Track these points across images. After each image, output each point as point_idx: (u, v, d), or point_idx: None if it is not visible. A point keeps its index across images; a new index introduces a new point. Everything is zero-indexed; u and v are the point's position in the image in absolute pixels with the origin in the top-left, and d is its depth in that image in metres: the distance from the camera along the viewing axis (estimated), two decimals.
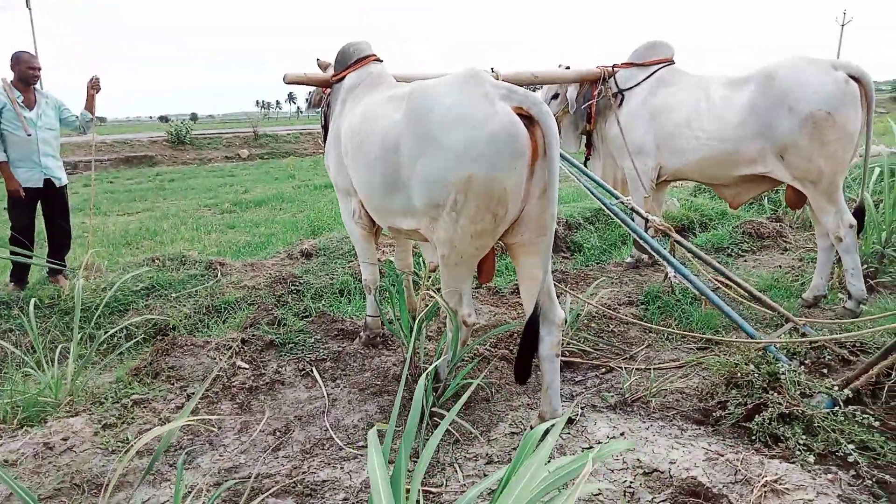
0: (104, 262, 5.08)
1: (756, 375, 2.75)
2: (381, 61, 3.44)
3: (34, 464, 2.56)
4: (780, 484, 2.18)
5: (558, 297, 4.18)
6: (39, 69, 4.57)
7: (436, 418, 2.86)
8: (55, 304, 4.31)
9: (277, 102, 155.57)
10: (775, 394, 2.63)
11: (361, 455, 2.68)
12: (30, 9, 32.84)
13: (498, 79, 4.03)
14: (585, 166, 5.13)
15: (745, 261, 5.08)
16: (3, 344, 3.40)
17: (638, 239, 3.47)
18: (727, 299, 3.76)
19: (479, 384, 3.22)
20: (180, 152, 22.17)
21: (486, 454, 2.65)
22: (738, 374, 2.81)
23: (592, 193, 3.58)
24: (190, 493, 2.42)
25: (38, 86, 4.69)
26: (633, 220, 3.79)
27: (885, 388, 2.67)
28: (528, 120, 2.40)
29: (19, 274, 4.56)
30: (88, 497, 2.39)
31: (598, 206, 5.72)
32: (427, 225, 2.69)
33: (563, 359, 3.41)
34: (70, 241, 4.93)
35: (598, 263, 5.15)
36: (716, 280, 3.79)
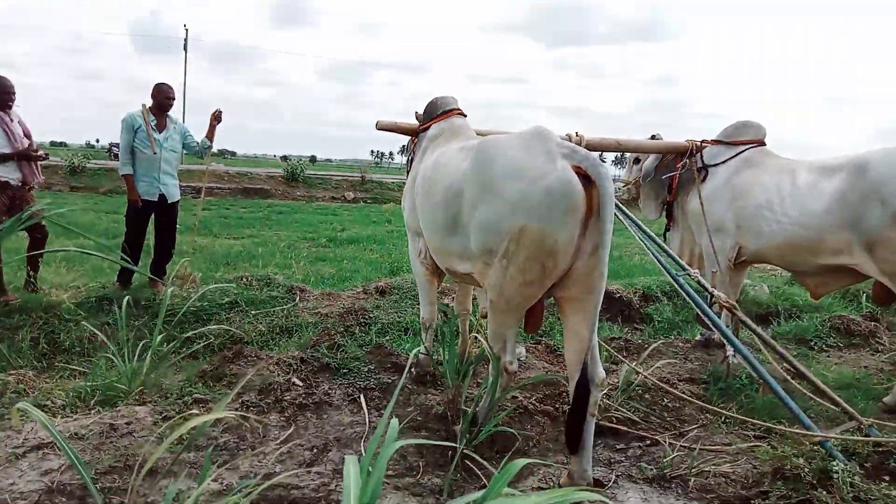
0: (199, 275, 5.53)
1: (806, 470, 2.60)
2: (465, 115, 3.66)
3: (98, 441, 2.84)
4: None
5: (615, 363, 4.17)
6: (173, 99, 5.20)
7: (467, 461, 2.90)
8: (150, 306, 4.76)
9: (391, 153, 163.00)
10: (824, 492, 2.47)
11: (387, 482, 2.76)
12: (186, 51, 36.87)
13: (581, 142, 4.22)
14: (665, 238, 5.10)
15: (829, 357, 4.75)
16: (97, 333, 3.81)
17: (700, 314, 3.39)
18: (793, 392, 3.55)
19: (515, 435, 3.24)
20: (293, 188, 23.69)
21: None
22: (787, 467, 2.66)
23: (659, 262, 3.56)
24: (226, 490, 2.59)
25: (170, 112, 5.31)
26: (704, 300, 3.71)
27: None
28: (587, 179, 2.49)
29: (125, 276, 5.08)
30: (137, 478, 2.61)
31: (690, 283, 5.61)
32: (480, 269, 2.80)
33: (609, 425, 3.37)
34: (173, 252, 5.44)
35: (666, 337, 5.00)
36: (782, 370, 3.59)
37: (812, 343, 4.94)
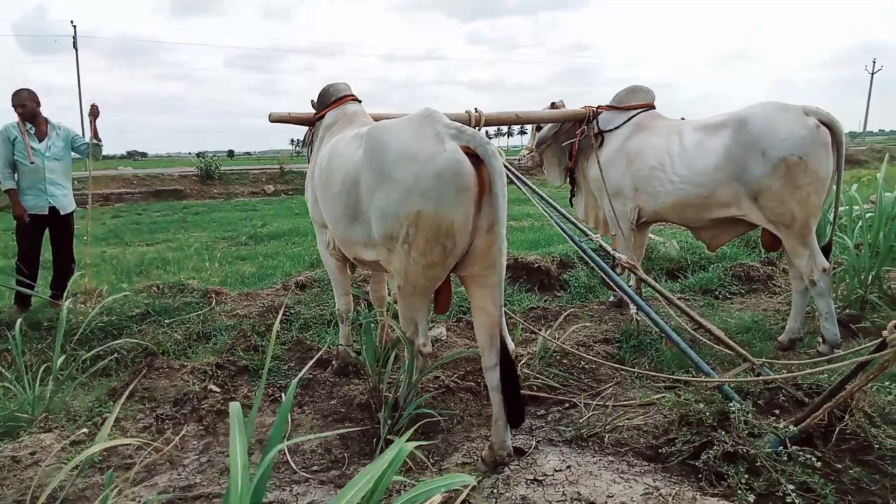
0: (105, 288, 5.28)
1: (706, 414, 2.76)
2: (359, 101, 3.62)
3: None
4: None
5: (533, 333, 4.27)
6: (28, 105, 4.75)
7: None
8: (53, 326, 4.50)
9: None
10: (723, 432, 2.64)
11: (312, 478, 2.75)
12: (76, 48, 34.57)
13: (481, 119, 4.26)
14: (571, 203, 5.26)
15: (732, 303, 5.06)
16: None
17: (604, 276, 3.52)
18: (696, 341, 3.77)
19: (439, 415, 3.29)
20: (208, 187, 22.82)
21: None
22: (691, 413, 2.82)
23: (561, 228, 3.66)
24: None
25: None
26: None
27: (836, 430, 2.67)
28: (476, 158, 2.51)
29: (23, 298, 4.78)
30: None
31: (593, 247, 5.80)
32: (385, 256, 2.81)
33: (530, 393, 3.47)
34: (73, 267, 5.15)
35: (582, 302, 5.18)
36: (685, 322, 3.79)
37: (717, 292, 5.24)
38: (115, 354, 4.03)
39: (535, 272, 5.90)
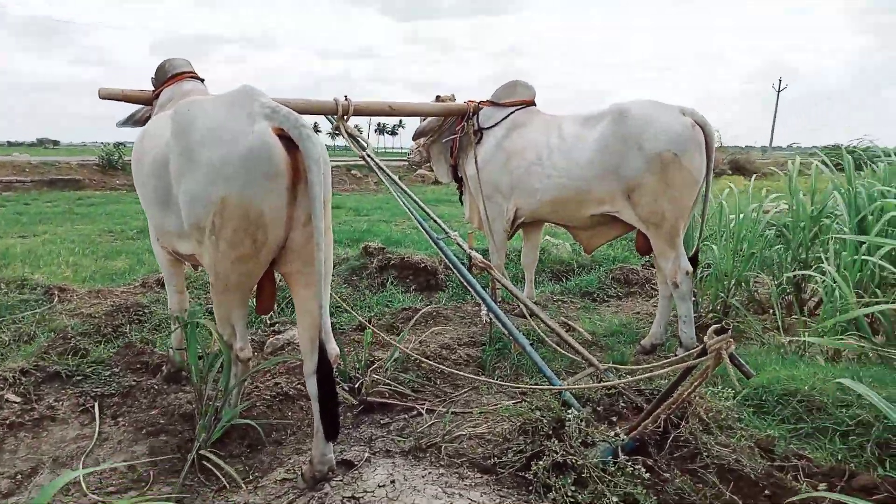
0: None
1: (543, 422, 2.62)
2: (200, 79, 3.30)
3: None
4: None
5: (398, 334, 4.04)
6: None
7: (206, 462, 2.62)
8: None
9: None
10: (556, 441, 2.49)
11: (102, 501, 2.41)
12: None
13: (349, 108, 3.99)
14: (461, 202, 5.06)
15: (609, 306, 5.03)
16: None
17: (459, 275, 3.35)
18: (561, 345, 3.65)
19: (270, 425, 3.02)
20: (110, 177, 21.43)
21: (245, 503, 2.42)
22: (528, 421, 2.67)
23: (421, 225, 3.47)
24: None
25: None
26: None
27: (671, 437, 2.58)
28: (292, 142, 2.26)
29: None
30: None
31: (485, 246, 5.65)
32: (197, 250, 2.51)
33: (378, 400, 3.24)
34: None
35: (459, 302, 5.01)
36: (548, 326, 3.67)
37: (595, 295, 5.20)
38: None
39: (422, 272, 5.71)
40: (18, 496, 2.42)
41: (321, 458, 2.47)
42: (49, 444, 2.78)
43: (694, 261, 3.74)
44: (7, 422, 2.84)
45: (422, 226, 3.47)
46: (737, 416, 2.79)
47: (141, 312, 4.51)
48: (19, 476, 2.54)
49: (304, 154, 2.22)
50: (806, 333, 3.54)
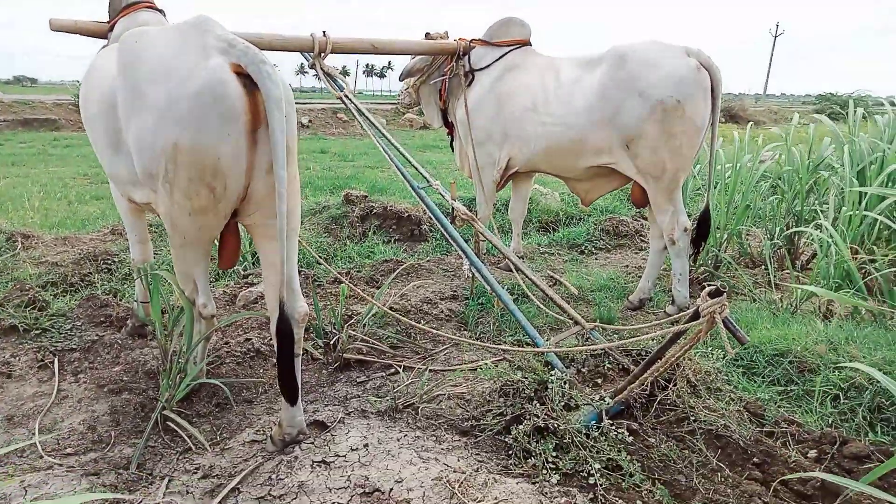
0: None
1: (524, 383, 2.50)
2: (159, 10, 3.01)
3: None
4: None
5: (349, 296, 3.85)
6: None
7: (170, 422, 2.49)
8: None
9: None
10: (538, 404, 2.38)
11: (59, 465, 2.28)
12: None
13: (327, 45, 3.69)
14: (452, 147, 4.79)
15: (597, 258, 4.89)
16: None
17: (440, 227, 3.16)
18: (547, 301, 3.52)
19: (240, 383, 2.88)
20: None
21: (210, 465, 2.30)
22: (509, 382, 2.55)
23: (402, 174, 3.27)
24: None
25: None
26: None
27: (657, 400, 2.47)
28: (252, 80, 2.03)
29: None
30: None
31: (473, 196, 5.44)
32: (153, 199, 2.31)
33: (354, 357, 3.11)
34: None
35: (442, 254, 4.85)
36: (533, 281, 3.52)
37: (583, 247, 5.05)
38: None
39: (405, 221, 5.53)
40: None
41: (290, 421, 2.34)
42: (4, 403, 2.63)
43: (705, 218, 3.54)
44: None
45: (402, 174, 3.27)
46: (726, 377, 2.70)
47: (110, 261, 4.33)
48: None
49: (265, 94, 1.99)
50: (798, 289, 3.42)
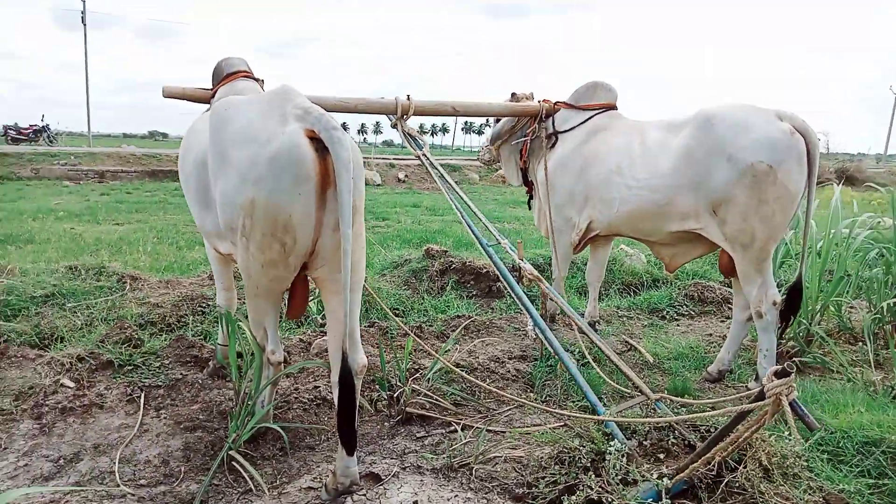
0: (15, 266, 5.01)
1: (581, 452, 2.43)
2: (256, 79, 3.31)
3: None
4: None
5: (418, 350, 3.88)
6: None
7: (235, 462, 2.61)
8: None
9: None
10: (593, 475, 2.30)
11: (133, 494, 2.44)
12: (84, 24, 34.61)
13: (410, 108, 3.89)
14: (529, 206, 4.83)
15: (678, 325, 4.69)
16: None
17: (506, 286, 3.18)
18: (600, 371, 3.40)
19: (304, 429, 2.98)
20: None
21: None
22: (565, 450, 2.48)
23: (471, 230, 3.34)
24: None
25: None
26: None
27: (724, 482, 2.31)
28: (324, 145, 2.19)
29: None
30: None
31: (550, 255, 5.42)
32: (233, 250, 2.50)
33: (416, 412, 3.14)
34: None
35: (517, 312, 4.82)
36: (598, 345, 3.43)
37: (665, 312, 4.87)
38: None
39: (483, 277, 5.57)
40: (57, 480, 2.49)
41: (344, 471, 2.39)
42: (94, 431, 2.86)
43: (797, 292, 3.34)
44: (59, 406, 2.96)
45: (472, 231, 3.33)
46: (806, 464, 2.48)
47: (204, 304, 4.63)
48: (62, 460, 2.63)
49: (334, 157, 2.14)
50: None
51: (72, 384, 3.13)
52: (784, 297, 3.37)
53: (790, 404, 1.85)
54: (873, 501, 2.34)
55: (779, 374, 1.90)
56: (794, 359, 3.77)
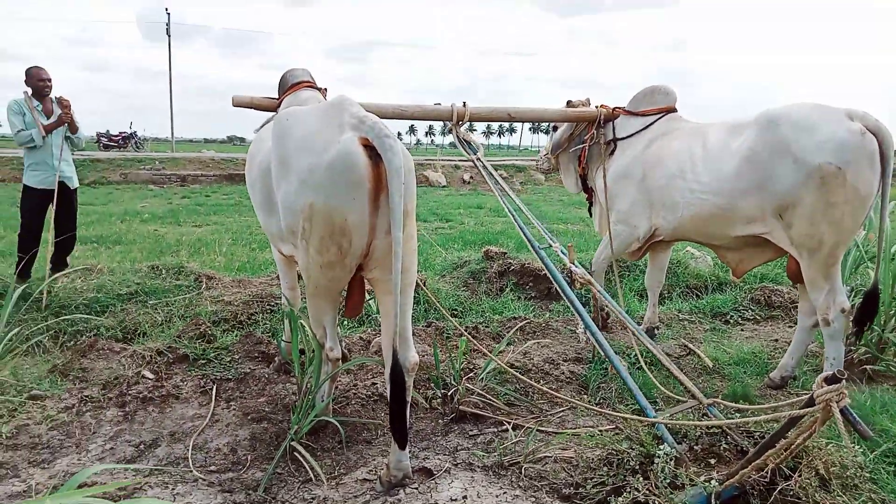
0: (104, 265, 5.42)
1: (630, 454, 2.44)
2: (318, 88, 3.48)
3: None
4: None
5: (510, 344, 3.97)
6: (49, 80, 5.00)
7: (297, 453, 2.77)
8: (40, 299, 4.64)
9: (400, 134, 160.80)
10: (641, 478, 2.31)
11: (203, 479, 2.63)
12: (169, 35, 36.50)
13: (465, 115, 3.98)
14: (590, 213, 4.82)
15: (743, 330, 4.56)
16: None
17: (558, 288, 3.20)
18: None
19: (362, 424, 3.11)
20: None
21: (325, 497, 2.52)
22: (614, 452, 2.50)
23: (524, 233, 3.38)
24: (28, 491, 2.48)
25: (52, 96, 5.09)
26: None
27: (778, 489, 2.27)
28: (376, 152, 2.30)
29: (24, 268, 4.97)
30: None
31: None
32: (294, 252, 2.66)
33: (470, 410, 3.22)
34: (74, 243, 5.31)
35: (571, 316, 4.80)
36: (648, 347, 3.39)
37: (728, 316, 4.74)
38: (95, 331, 4.10)
39: (542, 280, 5.59)
40: (140, 462, 2.72)
41: (397, 465, 2.50)
42: (170, 420, 3.09)
43: (873, 299, 3.21)
44: (140, 395, 3.21)
45: (524, 234, 3.38)
46: (869, 475, 2.40)
47: (273, 303, 4.87)
48: (142, 445, 2.86)
49: (387, 164, 2.25)
50: None
51: (151, 376, 3.39)
52: (860, 303, 3.24)
53: (841, 411, 1.81)
54: None
55: (829, 381, 1.86)
56: (865, 367, 3.63)
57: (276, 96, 3.56)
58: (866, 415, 2.93)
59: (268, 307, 4.82)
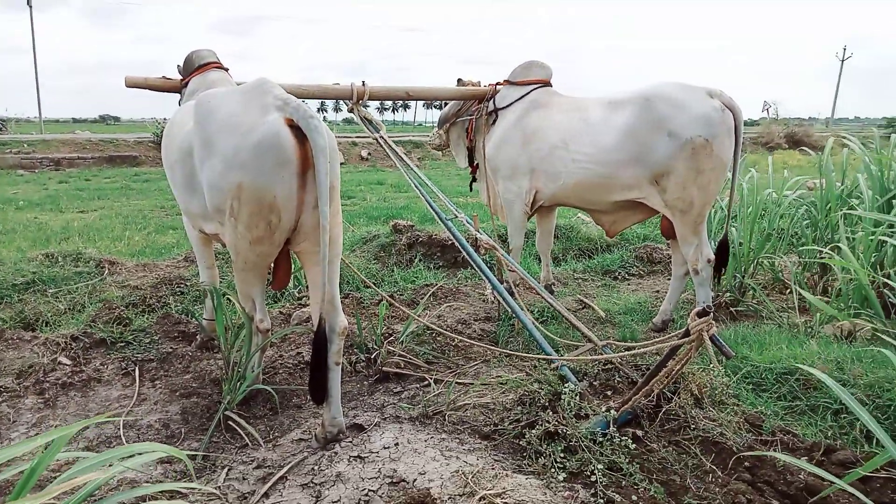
0: None
1: (540, 394, 2.78)
2: (225, 69, 3.51)
3: None
4: (502, 498, 2.20)
5: (391, 316, 4.20)
6: None
7: (230, 422, 2.89)
8: None
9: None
10: (551, 413, 2.65)
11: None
12: (30, 6, 33.25)
13: (365, 93, 4.13)
14: (470, 187, 5.12)
15: (629, 284, 5.09)
16: None
17: (465, 254, 3.49)
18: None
19: (291, 390, 3.27)
20: None
21: (263, 458, 2.67)
22: (527, 393, 2.83)
23: (431, 206, 3.62)
24: None
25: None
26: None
27: (663, 411, 2.69)
28: (302, 132, 2.44)
29: None
30: None
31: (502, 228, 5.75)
32: (220, 230, 2.74)
33: (392, 370, 3.45)
34: None
35: (479, 280, 5.16)
36: (548, 301, 3.77)
37: (617, 273, 5.26)
38: None
39: (449, 249, 5.88)
40: (68, 447, 2.73)
41: (332, 421, 2.69)
42: (95, 403, 3.10)
43: (724, 248, 3.72)
44: (59, 382, 3.18)
45: (431, 206, 3.62)
46: (732, 392, 2.88)
47: (182, 285, 4.84)
48: None
49: (312, 144, 2.40)
50: (818, 313, 3.56)
51: (69, 361, 3.35)
52: (715, 251, 3.78)
53: (711, 338, 2.21)
54: (787, 419, 2.75)
55: (700, 315, 2.26)
56: (729, 308, 4.22)
57: (172, 77, 3.55)
58: (732, 346, 3.46)
59: (177, 289, 4.78)
